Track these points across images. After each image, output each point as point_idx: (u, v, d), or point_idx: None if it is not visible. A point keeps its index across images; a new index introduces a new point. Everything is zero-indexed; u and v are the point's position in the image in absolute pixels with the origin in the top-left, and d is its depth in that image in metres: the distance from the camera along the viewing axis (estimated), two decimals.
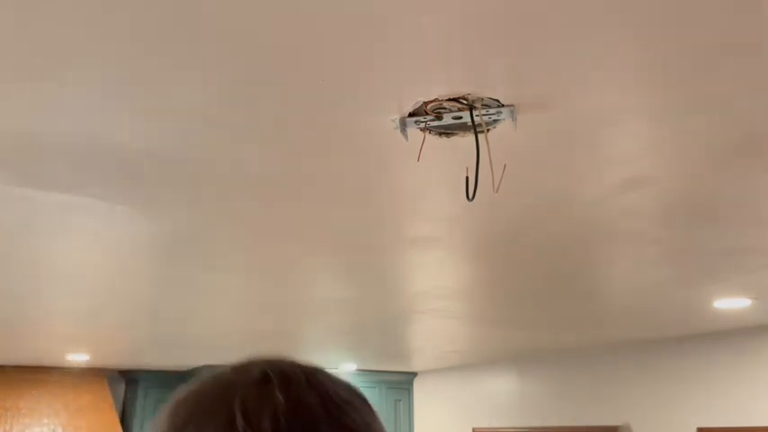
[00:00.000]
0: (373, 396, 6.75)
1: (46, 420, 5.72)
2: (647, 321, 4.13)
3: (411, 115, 1.47)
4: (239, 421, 0.48)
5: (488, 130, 1.51)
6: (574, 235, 2.38)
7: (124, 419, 6.48)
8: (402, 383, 7.01)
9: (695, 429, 4.47)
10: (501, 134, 1.54)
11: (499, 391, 6.12)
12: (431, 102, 1.41)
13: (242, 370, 0.54)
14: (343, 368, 6.48)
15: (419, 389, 7.08)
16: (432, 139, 1.57)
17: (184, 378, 6.02)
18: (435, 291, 3.28)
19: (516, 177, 1.78)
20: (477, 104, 1.42)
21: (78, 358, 5.60)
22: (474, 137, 1.50)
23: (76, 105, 1.41)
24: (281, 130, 1.56)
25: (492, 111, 1.44)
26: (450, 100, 1.40)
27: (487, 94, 1.39)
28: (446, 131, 1.55)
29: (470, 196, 1.58)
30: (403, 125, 1.49)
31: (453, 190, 1.86)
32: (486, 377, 6.26)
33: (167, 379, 6.48)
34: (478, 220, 2.24)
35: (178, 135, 1.57)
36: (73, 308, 3.56)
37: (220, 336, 4.51)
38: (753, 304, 3.55)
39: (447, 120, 1.47)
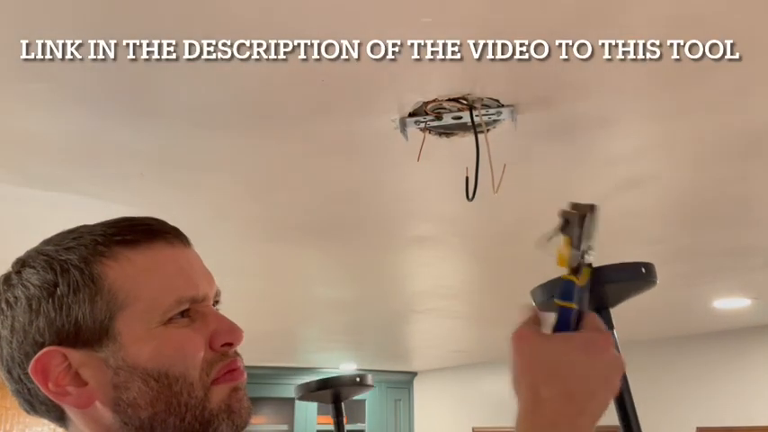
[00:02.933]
0: (373, 396, 6.75)
1: (46, 420, 5.72)
2: (647, 321, 4.13)
3: (411, 115, 1.47)
4: None
5: (488, 130, 1.51)
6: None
7: None
8: (402, 383, 7.00)
9: (695, 429, 4.47)
10: (501, 134, 1.54)
11: (499, 391, 6.11)
12: (431, 102, 1.41)
13: None
14: (344, 368, 6.48)
15: (419, 389, 7.08)
16: (432, 139, 1.57)
17: None
18: (435, 290, 3.28)
19: (516, 177, 1.78)
20: (477, 104, 1.42)
21: None
22: (474, 137, 1.50)
23: (76, 105, 1.41)
24: (281, 131, 1.56)
25: (492, 111, 1.44)
26: (450, 100, 1.41)
27: (487, 94, 1.39)
28: (446, 131, 1.55)
29: (470, 196, 1.58)
30: (403, 125, 1.49)
31: (453, 190, 1.86)
32: (486, 377, 6.26)
33: None
34: (478, 220, 2.24)
35: (177, 135, 1.57)
36: None
37: None
38: (752, 304, 3.55)
39: (447, 120, 1.47)
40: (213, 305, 0.73)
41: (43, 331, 0.63)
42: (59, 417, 0.67)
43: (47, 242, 0.71)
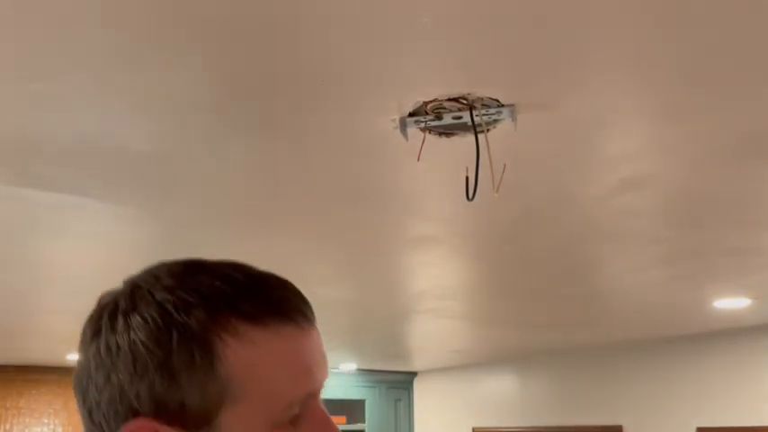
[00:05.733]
0: (373, 396, 6.76)
1: (46, 420, 5.72)
2: (647, 321, 4.13)
3: (411, 115, 1.47)
4: None
5: (488, 130, 1.50)
6: (574, 235, 2.38)
7: None
8: (402, 383, 7.00)
9: (695, 429, 4.47)
10: (501, 134, 1.54)
11: (499, 391, 6.12)
12: (431, 102, 1.41)
13: None
14: (344, 368, 6.48)
15: (419, 389, 7.08)
16: (432, 139, 1.57)
17: None
18: (435, 291, 3.28)
19: (516, 177, 1.78)
20: (477, 104, 1.41)
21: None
22: (474, 137, 1.50)
23: (76, 105, 1.41)
24: (281, 131, 1.56)
25: (492, 111, 1.44)
26: (450, 100, 1.40)
27: (487, 94, 1.39)
28: (446, 131, 1.55)
29: (470, 196, 1.58)
30: (403, 125, 1.49)
31: (453, 190, 1.86)
32: (486, 377, 6.26)
33: None
34: (478, 220, 2.24)
35: (178, 135, 1.57)
36: (73, 308, 3.56)
37: None
38: (752, 304, 3.55)
39: (447, 120, 1.47)
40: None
41: (142, 399, 0.57)
42: None
43: (162, 284, 0.61)
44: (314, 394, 0.63)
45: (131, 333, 0.59)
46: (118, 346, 0.59)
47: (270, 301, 0.62)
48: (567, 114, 1.49)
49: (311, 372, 0.63)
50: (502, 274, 3.02)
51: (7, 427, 5.54)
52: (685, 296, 3.42)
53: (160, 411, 0.57)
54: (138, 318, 0.59)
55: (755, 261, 2.74)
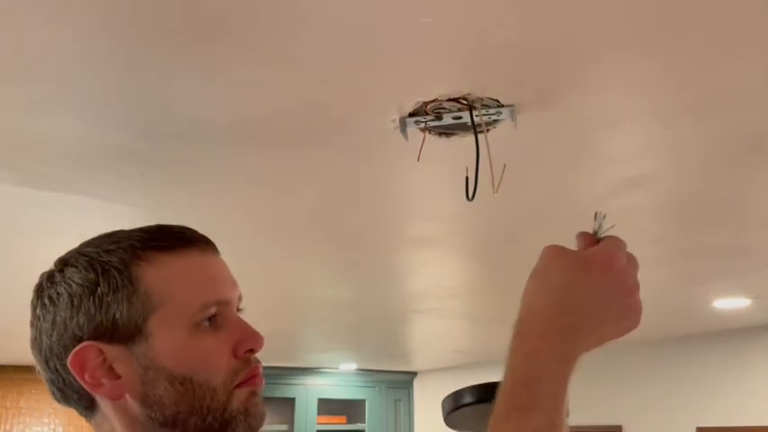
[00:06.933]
0: (373, 396, 6.75)
1: (46, 420, 5.72)
2: (647, 321, 4.09)
3: (411, 115, 1.47)
4: None
5: (488, 130, 1.50)
6: (574, 235, 2.38)
7: None
8: (402, 383, 7.00)
9: (695, 429, 4.47)
10: (501, 134, 1.54)
11: None
12: (431, 102, 1.42)
13: None
14: (344, 368, 6.48)
15: (419, 389, 7.07)
16: (432, 139, 1.57)
17: None
18: (435, 291, 3.28)
19: (516, 177, 1.78)
20: (477, 104, 1.42)
21: None
22: (474, 137, 1.50)
23: (76, 105, 1.41)
24: (280, 131, 1.56)
25: (492, 111, 1.44)
26: (450, 100, 1.41)
27: (487, 94, 1.39)
28: (446, 131, 1.55)
29: (470, 196, 1.58)
30: (403, 125, 1.49)
31: (453, 190, 1.86)
32: (486, 377, 6.23)
33: None
34: (478, 220, 2.24)
35: (178, 135, 1.57)
36: None
37: None
38: (753, 304, 3.55)
39: (447, 120, 1.47)
40: (237, 310, 0.79)
41: (83, 326, 0.69)
42: (88, 406, 0.72)
43: (87, 244, 0.75)
44: (225, 302, 0.75)
45: (67, 280, 0.71)
46: (58, 294, 0.71)
47: (175, 235, 0.75)
48: (566, 114, 1.49)
49: (217, 282, 0.75)
50: (502, 274, 3.02)
51: (7, 426, 5.54)
52: (685, 296, 3.42)
53: (99, 333, 0.68)
54: (71, 268, 0.72)
55: (755, 261, 2.73)
